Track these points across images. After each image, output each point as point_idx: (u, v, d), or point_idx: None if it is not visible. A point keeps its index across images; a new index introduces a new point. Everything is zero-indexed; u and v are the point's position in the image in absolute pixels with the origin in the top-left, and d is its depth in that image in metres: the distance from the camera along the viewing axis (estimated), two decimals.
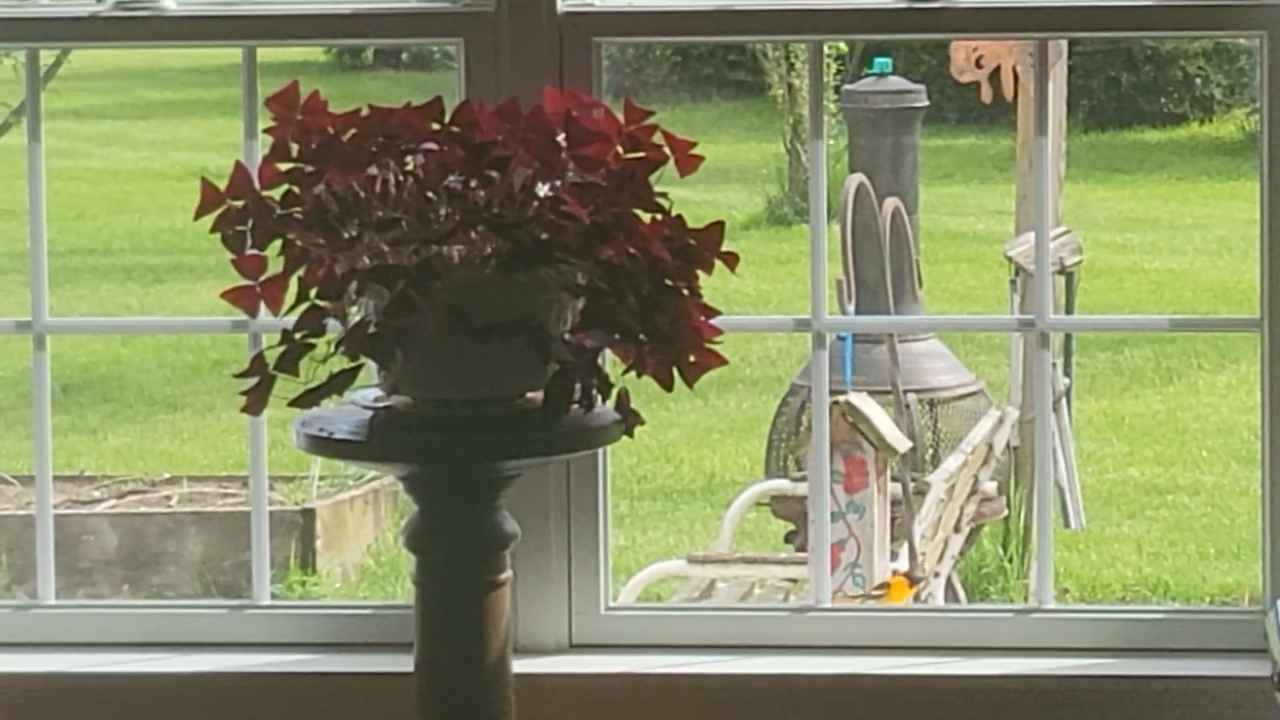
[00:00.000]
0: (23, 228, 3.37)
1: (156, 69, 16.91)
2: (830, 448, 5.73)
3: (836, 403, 5.75)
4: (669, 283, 2.52)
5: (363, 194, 2.51)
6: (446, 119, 2.55)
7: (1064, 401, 7.50)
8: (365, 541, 7.45)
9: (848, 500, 5.82)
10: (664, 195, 2.54)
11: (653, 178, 2.53)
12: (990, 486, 6.68)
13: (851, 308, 6.69)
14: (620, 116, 2.55)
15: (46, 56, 3.13)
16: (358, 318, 2.54)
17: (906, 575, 5.88)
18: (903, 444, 5.96)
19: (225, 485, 7.55)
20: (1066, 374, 7.75)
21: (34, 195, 3.04)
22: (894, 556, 6.13)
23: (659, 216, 2.53)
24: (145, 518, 7.21)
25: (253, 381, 2.57)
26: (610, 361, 2.63)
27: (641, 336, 2.52)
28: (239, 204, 2.56)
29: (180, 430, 9.01)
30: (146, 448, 8.76)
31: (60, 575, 3.12)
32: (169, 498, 7.44)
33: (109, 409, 9.29)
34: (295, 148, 2.55)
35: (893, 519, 6.09)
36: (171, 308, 10.46)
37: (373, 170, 2.51)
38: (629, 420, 2.57)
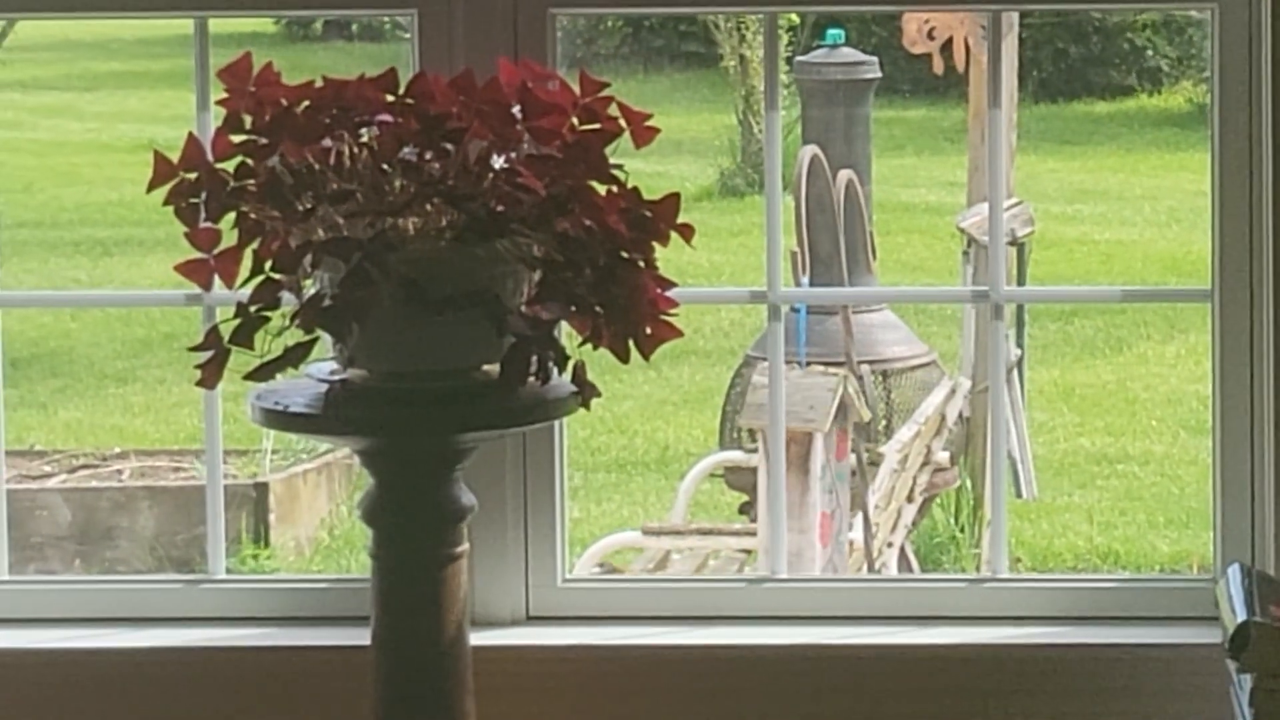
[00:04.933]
0: None
1: (104, 40, 16.81)
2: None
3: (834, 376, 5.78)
4: (625, 255, 2.52)
5: (317, 166, 2.50)
6: (401, 91, 2.54)
7: (1016, 372, 7.53)
8: (319, 515, 7.44)
9: (836, 468, 5.83)
10: (619, 167, 2.54)
11: (608, 150, 2.53)
12: (943, 457, 6.70)
13: (806, 280, 6.70)
14: (575, 88, 2.55)
15: None
16: (313, 291, 2.53)
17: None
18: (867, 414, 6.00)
19: (177, 459, 7.53)
20: (1018, 345, 7.78)
21: None
22: (849, 527, 6.16)
23: (615, 188, 2.53)
24: (96, 492, 7.19)
25: (207, 355, 2.56)
26: (566, 334, 2.63)
27: (598, 309, 2.52)
28: (192, 176, 2.55)
29: (131, 404, 8.98)
30: (97, 422, 8.73)
31: (11, 550, 3.10)
32: (120, 472, 7.42)
33: (59, 383, 9.25)
34: (249, 120, 2.54)
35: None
36: (120, 281, 10.41)
37: (327, 142, 2.50)
38: (585, 392, 2.57)
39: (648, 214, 2.53)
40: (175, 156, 2.57)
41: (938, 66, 7.67)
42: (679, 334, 2.57)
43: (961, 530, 7.17)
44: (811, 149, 7.16)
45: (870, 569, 6.09)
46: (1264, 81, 2.91)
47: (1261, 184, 2.93)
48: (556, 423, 2.91)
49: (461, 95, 2.52)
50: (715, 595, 3.06)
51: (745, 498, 6.68)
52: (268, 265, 2.54)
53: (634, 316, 2.53)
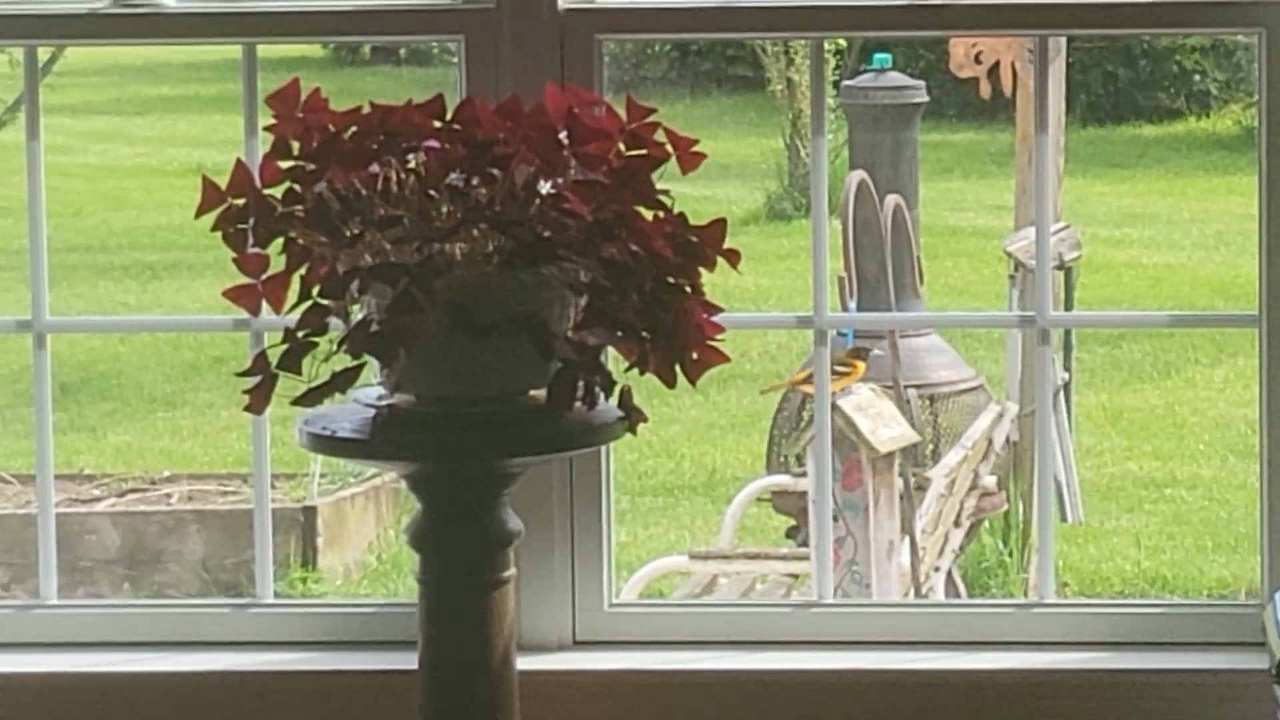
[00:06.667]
0: (20, 225, 3.36)
1: (154, 64, 16.90)
2: None
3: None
4: (671, 280, 2.52)
5: (364, 192, 2.51)
6: (448, 116, 2.55)
7: (1063, 396, 7.51)
8: (366, 539, 7.46)
9: (845, 498, 5.84)
10: (666, 192, 2.54)
11: (655, 175, 2.54)
12: (990, 481, 6.69)
13: (853, 304, 6.69)
14: (621, 113, 2.55)
15: (43, 52, 3.12)
16: (360, 316, 2.54)
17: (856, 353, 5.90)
18: (885, 444, 5.96)
19: (225, 483, 7.56)
20: (1066, 369, 7.76)
21: (33, 193, 3.04)
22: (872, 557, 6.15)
23: (661, 214, 2.54)
24: (145, 516, 7.21)
25: (255, 380, 2.57)
26: (613, 359, 2.63)
27: (644, 334, 2.52)
28: (240, 202, 2.57)
29: (180, 428, 9.01)
30: (146, 446, 8.76)
31: (60, 574, 3.11)
32: (169, 496, 7.45)
33: (108, 407, 9.29)
34: (296, 145, 2.55)
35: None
36: (169, 305, 10.45)
37: (374, 168, 2.51)
38: (632, 417, 2.58)
39: (694, 239, 2.53)
40: (224, 181, 2.58)
41: (985, 90, 7.67)
42: (726, 359, 2.57)
43: (1009, 555, 7.14)
44: (859, 174, 7.16)
45: (917, 594, 6.08)
46: None
47: None
48: (603, 447, 2.91)
49: (508, 121, 2.52)
50: (762, 620, 3.06)
51: (792, 521, 6.67)
52: (315, 291, 2.55)
53: (680, 341, 2.53)
